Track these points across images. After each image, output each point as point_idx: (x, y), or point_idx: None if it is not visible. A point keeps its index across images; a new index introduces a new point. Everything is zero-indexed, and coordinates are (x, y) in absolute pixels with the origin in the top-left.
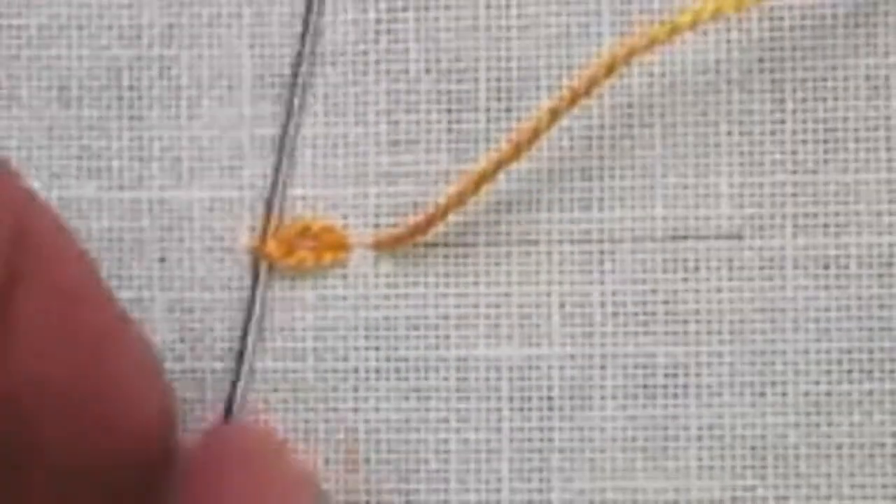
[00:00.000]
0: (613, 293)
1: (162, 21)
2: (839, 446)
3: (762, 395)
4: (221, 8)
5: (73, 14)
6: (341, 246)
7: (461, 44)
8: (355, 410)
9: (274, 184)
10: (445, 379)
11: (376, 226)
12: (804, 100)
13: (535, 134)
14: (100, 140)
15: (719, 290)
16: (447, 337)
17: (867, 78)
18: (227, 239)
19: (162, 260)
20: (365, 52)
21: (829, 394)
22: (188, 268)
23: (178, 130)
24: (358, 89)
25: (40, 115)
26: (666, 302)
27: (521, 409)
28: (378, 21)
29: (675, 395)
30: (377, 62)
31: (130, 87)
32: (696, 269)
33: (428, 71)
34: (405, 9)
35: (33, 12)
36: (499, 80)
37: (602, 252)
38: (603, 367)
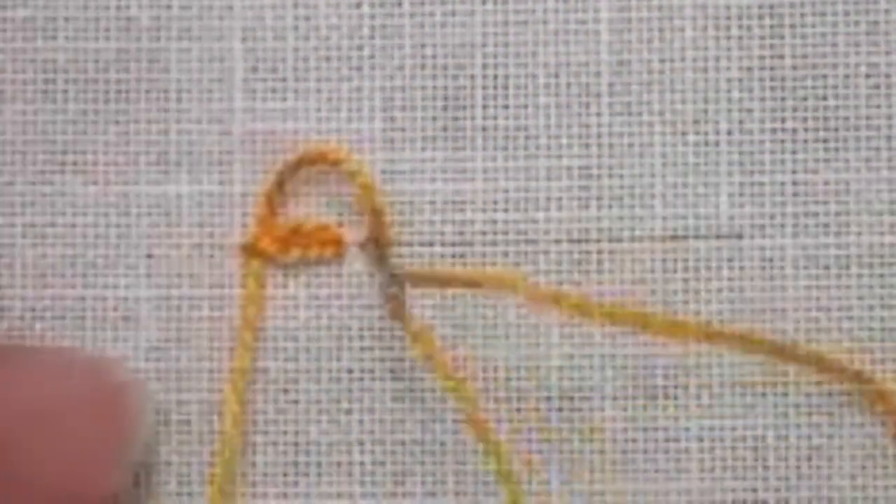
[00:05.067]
0: (613, 293)
1: (150, 13)
2: (840, 447)
3: (763, 395)
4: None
5: (58, 5)
6: (336, 244)
7: (457, 39)
8: (349, 412)
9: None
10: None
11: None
12: (804, 98)
13: None
14: (86, 134)
15: (719, 290)
16: (443, 337)
17: (868, 76)
18: (216, 235)
19: (149, 256)
20: (360, 48)
21: (829, 394)
22: (176, 265)
23: (166, 124)
24: (353, 85)
25: (25, 108)
26: (666, 302)
27: (519, 410)
28: (373, 16)
29: (676, 396)
30: (372, 57)
31: (117, 81)
32: (696, 269)
33: (423, 67)
34: (400, 3)
35: (18, 4)
36: (495, 76)
37: (602, 252)
38: (603, 368)
